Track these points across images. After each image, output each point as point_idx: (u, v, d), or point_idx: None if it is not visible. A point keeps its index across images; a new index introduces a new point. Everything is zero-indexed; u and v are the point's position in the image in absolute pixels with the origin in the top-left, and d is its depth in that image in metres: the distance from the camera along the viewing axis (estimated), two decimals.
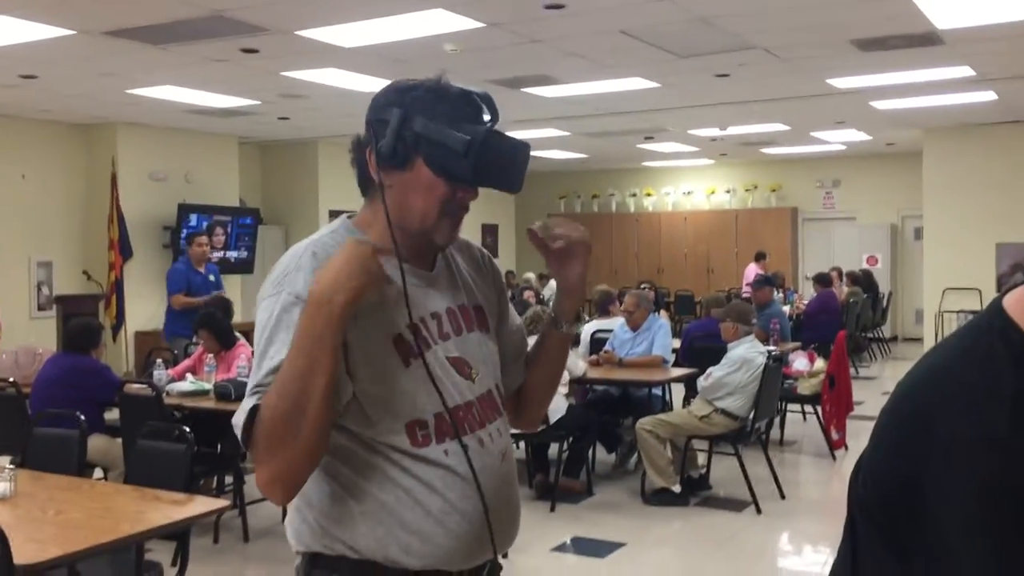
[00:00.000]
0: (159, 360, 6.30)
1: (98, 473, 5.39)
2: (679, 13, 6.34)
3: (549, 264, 1.75)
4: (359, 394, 1.53)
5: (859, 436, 7.35)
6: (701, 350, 7.13)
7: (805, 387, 7.44)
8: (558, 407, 5.93)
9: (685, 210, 17.18)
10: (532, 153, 1.61)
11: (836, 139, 13.39)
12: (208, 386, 5.80)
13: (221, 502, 3.59)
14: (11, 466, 3.45)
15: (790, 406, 8.06)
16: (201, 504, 3.42)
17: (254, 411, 1.43)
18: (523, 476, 6.22)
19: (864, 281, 13.40)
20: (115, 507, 3.32)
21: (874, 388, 10.46)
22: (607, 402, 6.90)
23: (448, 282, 1.71)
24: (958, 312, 11.91)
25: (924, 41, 7.23)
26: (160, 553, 3.81)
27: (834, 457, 7.29)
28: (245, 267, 11.96)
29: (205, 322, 6.25)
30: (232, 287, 11.52)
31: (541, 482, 6.28)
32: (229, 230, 11.63)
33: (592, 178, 17.70)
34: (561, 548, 5.29)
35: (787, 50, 7.53)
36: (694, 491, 6.21)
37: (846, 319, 11.32)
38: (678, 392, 7.57)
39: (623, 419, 6.84)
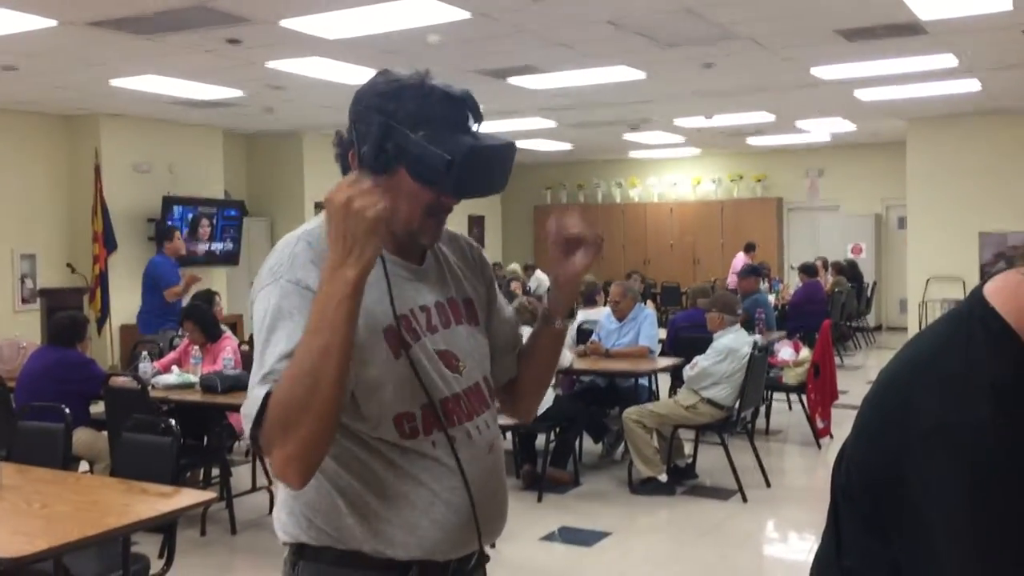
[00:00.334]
0: (144, 353, 6.29)
1: (84, 466, 5.37)
2: (665, 2, 6.34)
3: (552, 254, 1.74)
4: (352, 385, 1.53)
5: (844, 425, 7.38)
6: (687, 340, 7.17)
7: (790, 376, 7.47)
8: (545, 398, 5.93)
9: (671, 200, 17.20)
10: (518, 144, 1.60)
11: (821, 129, 13.43)
12: (194, 379, 5.78)
13: (208, 494, 3.58)
14: None
15: (775, 395, 8.10)
16: (188, 496, 3.40)
17: (266, 399, 1.40)
18: (510, 466, 6.23)
19: (849, 271, 13.47)
20: (101, 500, 3.31)
21: (859, 377, 10.53)
22: (594, 392, 6.91)
23: (437, 276, 1.71)
24: (941, 301, 11.98)
25: (908, 31, 7.27)
26: (147, 546, 3.80)
27: (819, 445, 7.34)
28: (231, 259, 11.92)
29: (191, 314, 6.24)
30: (218, 279, 11.49)
31: (528, 472, 6.30)
32: (214, 222, 11.57)
33: (578, 169, 17.71)
34: (549, 537, 5.32)
35: (772, 39, 7.55)
36: (680, 480, 6.24)
37: (831, 309, 11.39)
38: (664, 382, 7.61)
39: (610, 409, 6.87)
